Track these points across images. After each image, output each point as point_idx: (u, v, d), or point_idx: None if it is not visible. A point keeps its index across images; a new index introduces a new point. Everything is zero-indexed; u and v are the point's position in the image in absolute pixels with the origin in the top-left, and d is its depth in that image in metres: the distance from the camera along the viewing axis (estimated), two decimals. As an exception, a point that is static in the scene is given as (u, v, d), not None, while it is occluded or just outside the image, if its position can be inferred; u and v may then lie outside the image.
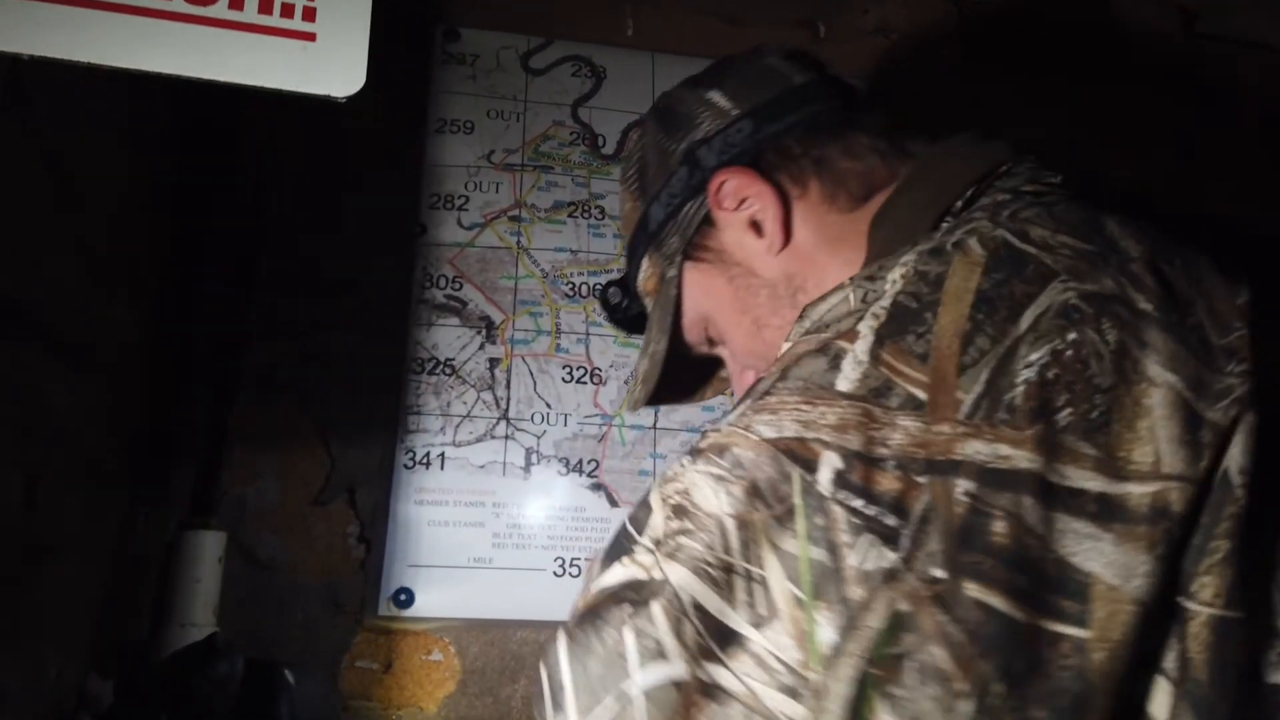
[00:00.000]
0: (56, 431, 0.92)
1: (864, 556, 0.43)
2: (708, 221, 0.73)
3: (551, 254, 1.34)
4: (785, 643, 0.42)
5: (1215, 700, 0.43)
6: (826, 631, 0.42)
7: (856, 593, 0.42)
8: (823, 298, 0.53)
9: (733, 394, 0.88)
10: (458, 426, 1.25)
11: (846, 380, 0.47)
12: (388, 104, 1.33)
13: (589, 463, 1.26)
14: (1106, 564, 0.42)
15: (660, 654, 0.44)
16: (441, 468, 1.23)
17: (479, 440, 1.25)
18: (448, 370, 1.27)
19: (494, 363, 1.28)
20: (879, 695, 0.41)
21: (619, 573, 0.49)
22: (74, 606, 0.97)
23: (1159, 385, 0.44)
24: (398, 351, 1.27)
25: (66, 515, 0.96)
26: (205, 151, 1.27)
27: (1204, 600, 0.44)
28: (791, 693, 0.42)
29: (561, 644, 0.48)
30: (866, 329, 0.48)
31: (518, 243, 1.34)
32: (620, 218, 0.86)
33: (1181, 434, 0.44)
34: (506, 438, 1.25)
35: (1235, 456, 0.44)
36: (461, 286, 1.31)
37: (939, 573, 0.42)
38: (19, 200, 0.80)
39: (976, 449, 0.43)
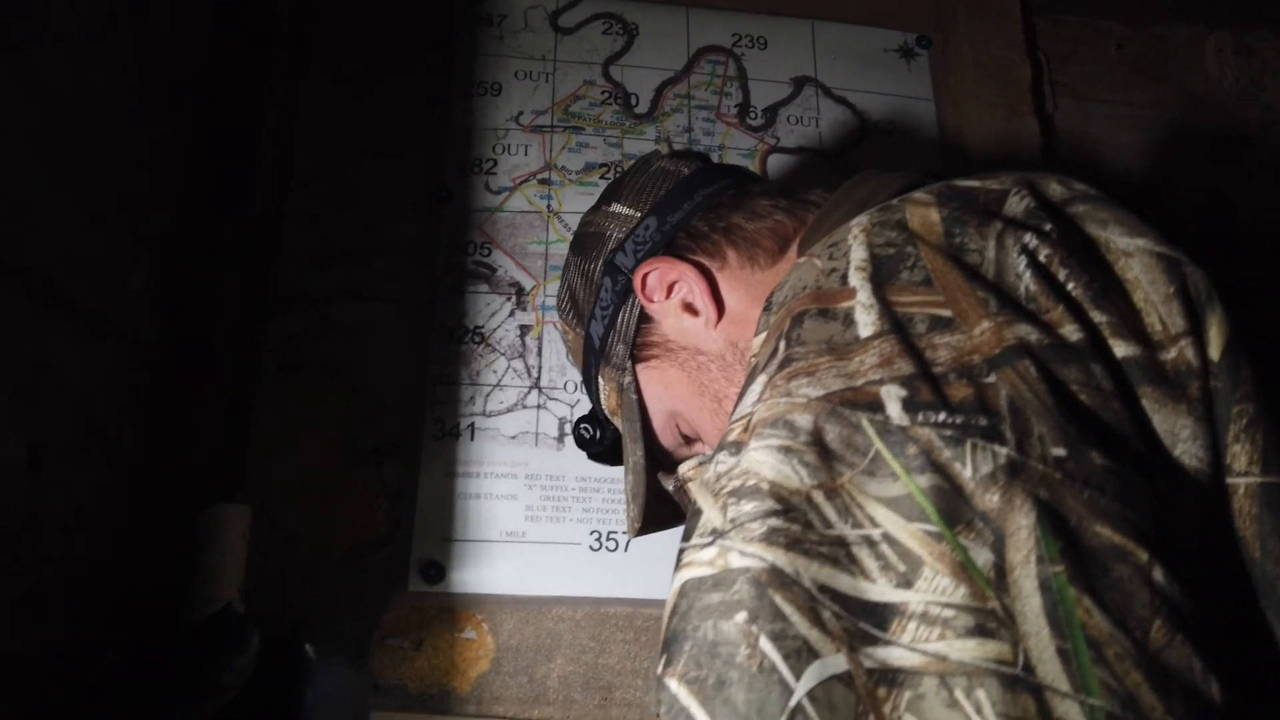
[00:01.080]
0: (64, 399, 0.88)
1: (975, 462, 0.40)
2: (645, 319, 0.77)
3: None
4: (944, 583, 0.38)
5: (1275, 574, 0.41)
6: (981, 553, 0.38)
7: (989, 500, 0.38)
8: (785, 279, 0.54)
9: None
10: (488, 396, 1.20)
11: (866, 327, 0.46)
12: (411, 68, 1.28)
13: (625, 432, 1.20)
14: (1160, 429, 0.43)
15: (811, 652, 0.38)
16: (471, 439, 1.18)
17: (510, 410, 1.20)
18: (477, 338, 1.22)
19: (525, 330, 1.23)
20: (1076, 590, 0.36)
21: (681, 580, 0.43)
22: (91, 580, 0.94)
23: (1133, 255, 0.47)
24: (424, 320, 1.22)
25: (78, 487, 0.92)
26: (224, 115, 1.24)
27: (1240, 470, 0.43)
28: (979, 631, 0.37)
29: (678, 693, 0.40)
30: (859, 282, 0.48)
31: (548, 206, 1.29)
32: (569, 355, 0.93)
33: (1169, 290, 0.46)
34: (539, 407, 1.20)
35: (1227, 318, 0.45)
36: (490, 252, 1.26)
37: (1059, 450, 0.39)
38: (11, 146, 0.77)
39: (1026, 331, 0.43)
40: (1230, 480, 0.43)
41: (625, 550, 1.15)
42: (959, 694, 0.35)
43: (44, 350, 0.85)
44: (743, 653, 0.39)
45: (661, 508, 0.81)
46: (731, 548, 0.41)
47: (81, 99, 0.89)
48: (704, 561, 0.42)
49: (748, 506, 0.42)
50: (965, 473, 0.39)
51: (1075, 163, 1.47)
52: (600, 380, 0.82)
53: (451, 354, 1.21)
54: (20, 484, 0.80)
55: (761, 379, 0.47)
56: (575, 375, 1.22)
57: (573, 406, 1.21)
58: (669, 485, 0.78)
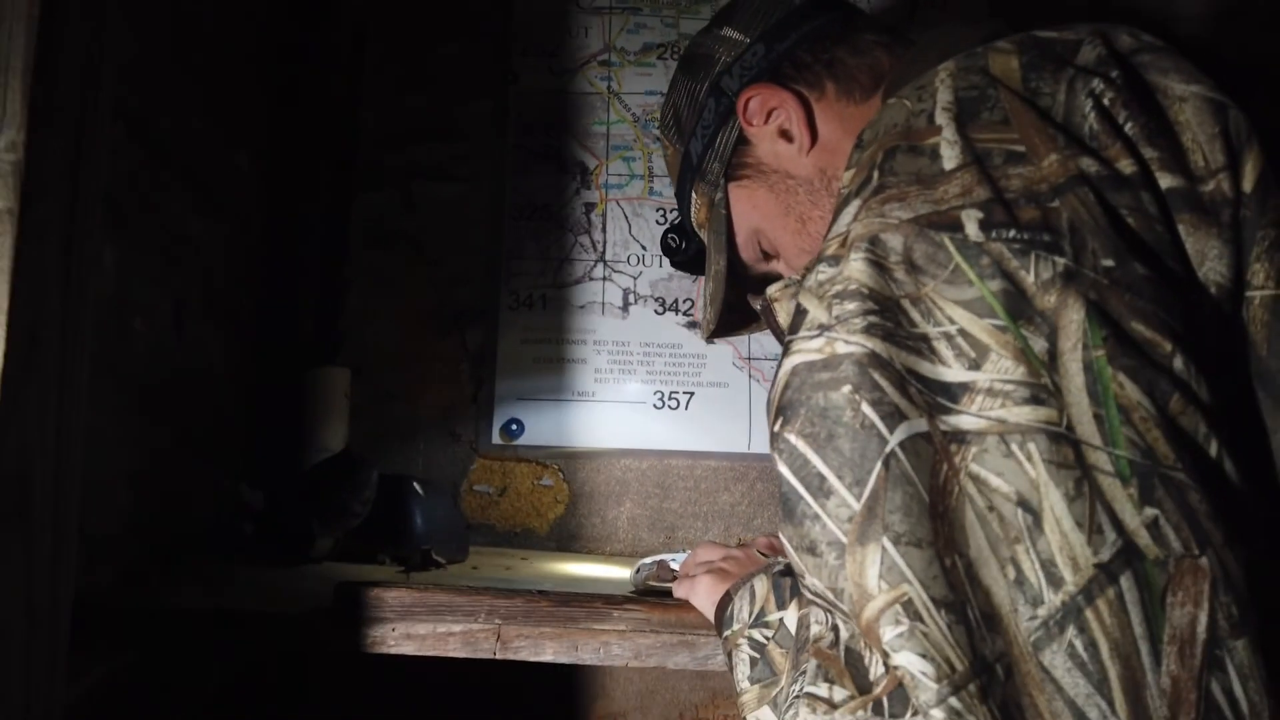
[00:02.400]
0: (195, 266, 1.00)
1: (1038, 270, 0.48)
2: (742, 141, 0.81)
3: (642, 98, 1.35)
4: (1007, 365, 0.47)
5: (1276, 368, 0.50)
6: (1038, 341, 0.47)
7: (1047, 300, 0.47)
8: (877, 118, 0.59)
9: None
10: (557, 269, 1.30)
11: (950, 160, 0.52)
12: (476, -50, 1.33)
13: (684, 301, 1.30)
14: (1192, 249, 0.50)
15: (901, 414, 0.47)
16: (544, 308, 1.28)
17: (578, 282, 1.29)
18: (545, 215, 1.31)
19: (589, 207, 1.32)
20: (1113, 368, 0.45)
21: (792, 364, 0.52)
22: (224, 426, 1.08)
23: (1187, 99, 0.54)
24: (497, 198, 1.31)
25: (209, 345, 1.05)
26: (303, 7, 1.31)
27: (1257, 285, 0.51)
28: (1034, 400, 0.46)
29: (796, 443, 0.50)
30: (945, 121, 0.54)
31: (608, 88, 1.35)
32: (667, 169, 0.93)
33: (1213, 130, 0.52)
34: (604, 279, 1.30)
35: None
36: (556, 134, 1.33)
37: (1108, 261, 0.48)
38: (150, 33, 0.85)
39: (1087, 164, 0.50)
40: (1248, 293, 0.51)
41: (686, 409, 1.26)
42: (1014, 447, 0.45)
43: (182, 222, 0.95)
44: (849, 414, 0.48)
45: (731, 315, 0.89)
46: (837, 338, 0.49)
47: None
48: (813, 349, 0.50)
49: (850, 305, 0.50)
50: (1029, 278, 0.47)
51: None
52: (693, 194, 0.86)
53: (523, 230, 1.30)
54: (170, 339, 0.92)
55: (856, 202, 0.53)
56: (637, 249, 1.31)
57: (635, 278, 1.30)
58: (756, 304, 0.86)
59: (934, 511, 0.46)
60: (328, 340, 1.25)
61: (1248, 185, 0.52)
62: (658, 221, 1.32)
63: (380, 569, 0.94)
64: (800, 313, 0.53)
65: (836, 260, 0.52)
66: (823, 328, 0.51)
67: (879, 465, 0.47)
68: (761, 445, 1.25)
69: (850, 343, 0.49)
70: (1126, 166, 0.51)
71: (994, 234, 0.49)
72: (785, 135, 0.78)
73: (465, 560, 1.05)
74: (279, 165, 1.24)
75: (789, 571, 0.67)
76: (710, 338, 0.91)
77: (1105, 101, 0.53)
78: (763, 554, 0.80)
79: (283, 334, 1.22)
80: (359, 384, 1.21)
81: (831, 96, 0.78)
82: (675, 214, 1.31)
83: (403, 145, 1.32)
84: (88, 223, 0.60)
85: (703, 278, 0.90)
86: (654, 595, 0.88)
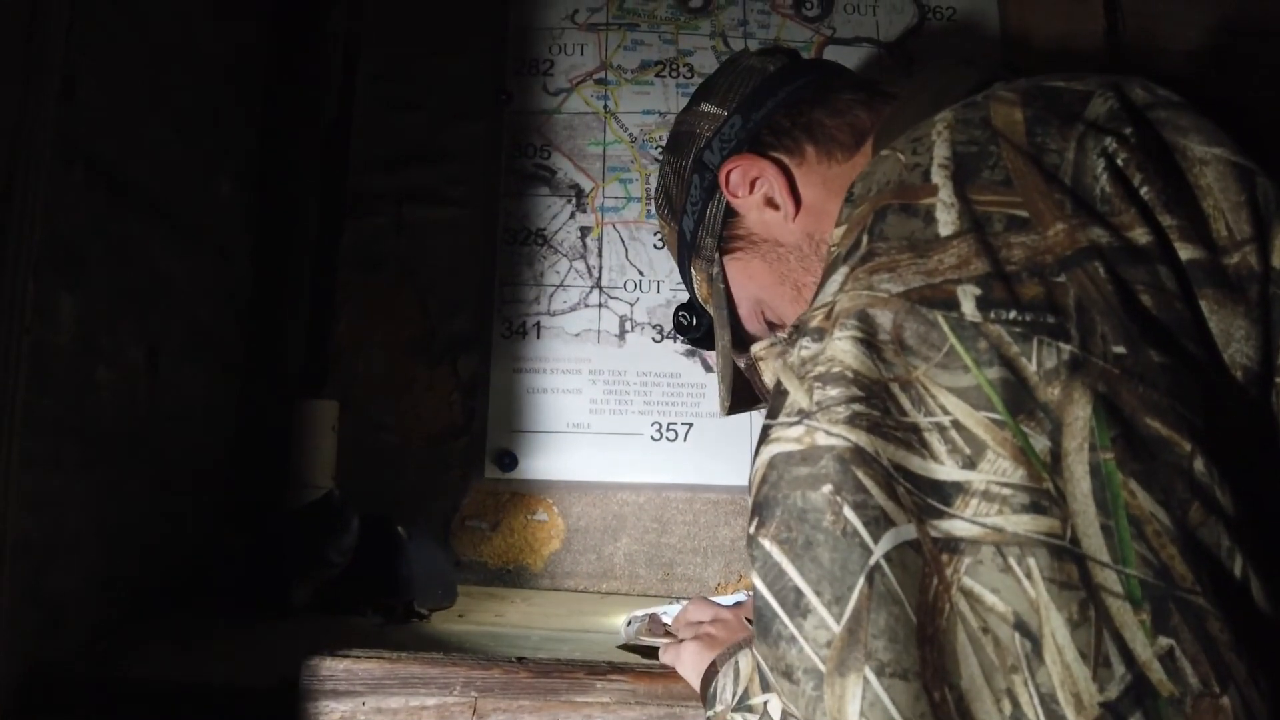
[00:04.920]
0: (174, 305, 0.97)
1: (1040, 357, 0.43)
2: (730, 214, 0.80)
3: (640, 117, 1.31)
4: (1005, 466, 0.42)
5: None
6: (1040, 440, 0.42)
7: (1051, 392, 0.43)
8: (868, 171, 0.55)
9: None
10: (551, 296, 1.26)
11: (946, 226, 0.48)
12: (468, -34, 1.29)
13: (683, 329, 1.25)
14: (1216, 329, 0.46)
15: (887, 519, 0.43)
16: (538, 336, 1.24)
17: (573, 309, 1.26)
18: (539, 240, 1.27)
19: (585, 231, 1.28)
20: (1123, 474, 0.41)
21: (770, 454, 0.47)
22: (204, 468, 1.04)
23: (1209, 162, 0.49)
24: (490, 222, 1.27)
25: (188, 385, 1.01)
26: (291, 25, 1.27)
27: None
28: (1034, 507, 0.41)
29: (771, 551, 0.46)
30: (941, 179, 0.50)
31: (605, 107, 1.31)
32: (668, 248, 0.93)
33: (1239, 198, 0.48)
34: (600, 306, 1.26)
35: None
36: (550, 154, 1.30)
37: (1120, 348, 0.43)
38: (118, 71, 0.82)
39: (1098, 234, 0.46)
40: (1278, 379, 0.46)
41: (684, 440, 1.22)
42: (1012, 560, 0.40)
43: (156, 261, 0.92)
44: (828, 519, 0.43)
45: (748, 389, 0.87)
46: (818, 427, 0.45)
47: (168, 19, 0.94)
48: (791, 438, 0.46)
49: (833, 391, 0.45)
50: (1030, 366, 0.43)
51: (1139, 48, 1.43)
52: (693, 271, 0.86)
53: (516, 255, 1.27)
54: (142, 385, 0.89)
55: (843, 270, 0.49)
56: (634, 275, 1.27)
57: (632, 305, 1.26)
58: (740, 363, 0.83)
59: (922, 635, 0.41)
60: (315, 371, 1.22)
61: (1278, 260, 0.47)
62: (655, 245, 1.28)
63: (361, 621, 0.91)
64: (780, 394, 0.49)
65: (820, 335, 0.48)
66: (803, 414, 0.46)
67: (861, 581, 0.42)
68: (762, 478, 1.21)
69: (832, 434, 0.45)
70: (1141, 236, 0.46)
71: (993, 314, 0.44)
72: (771, 203, 0.77)
73: (453, 604, 1.02)
74: (265, 191, 1.21)
75: None
76: (727, 414, 0.88)
77: (1119, 162, 0.48)
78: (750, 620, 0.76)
79: (269, 365, 1.19)
80: (347, 414, 1.18)
81: (812, 159, 0.77)
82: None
83: (394, 168, 1.28)
84: (18, 272, 0.57)
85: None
86: (643, 652, 0.84)
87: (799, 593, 0.44)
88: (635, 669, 0.74)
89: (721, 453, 1.22)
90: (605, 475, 1.21)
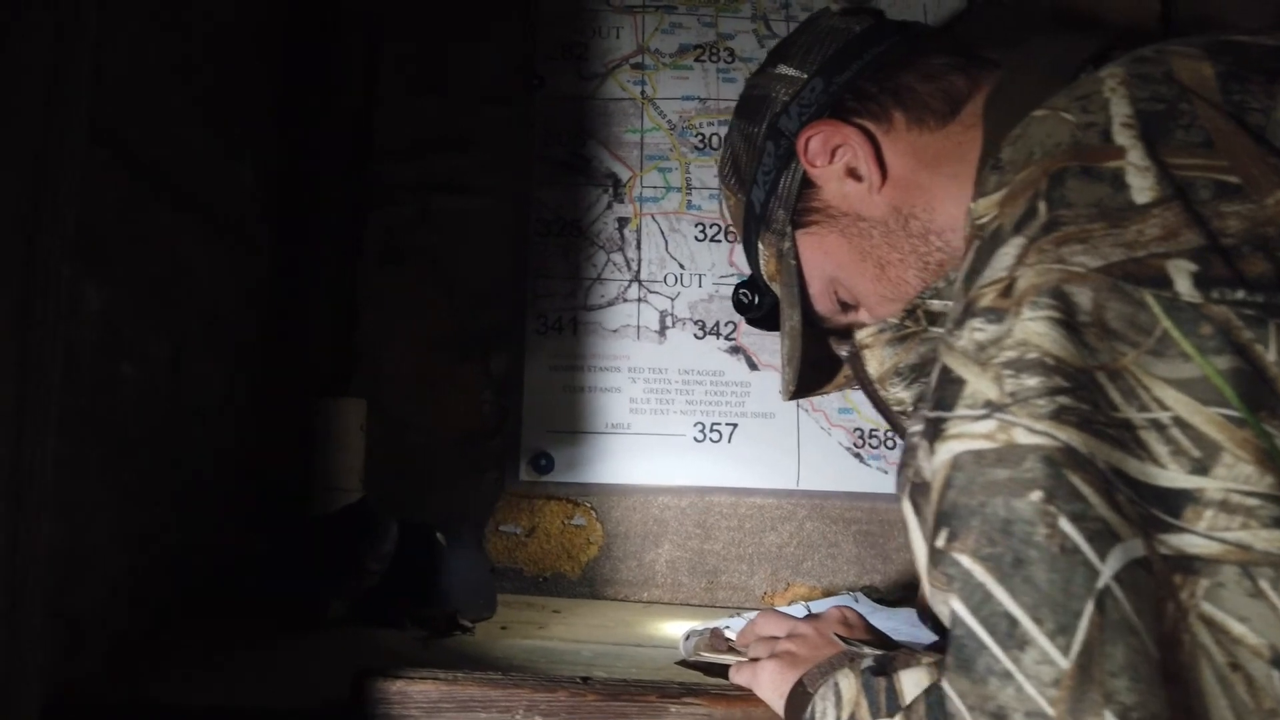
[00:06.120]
0: (198, 298, 0.91)
1: None
2: (807, 184, 0.74)
3: (679, 103, 1.25)
4: (1248, 472, 0.36)
5: None
6: None
7: None
8: (1020, 134, 0.49)
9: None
10: (588, 290, 1.20)
11: (1142, 192, 0.42)
12: (498, -55, 1.24)
13: (726, 325, 1.20)
14: None
15: (1113, 533, 0.37)
16: (574, 332, 1.19)
17: (611, 304, 1.20)
18: (574, 231, 1.22)
19: (622, 223, 1.22)
20: None
21: (953, 452, 0.41)
22: (226, 471, 0.98)
23: None
24: (521, 213, 1.21)
25: (210, 383, 0.95)
26: (311, 5, 1.21)
27: None
28: None
29: (972, 569, 0.39)
30: (1128, 140, 0.44)
31: (642, 92, 1.25)
32: (730, 220, 0.86)
33: None
34: (639, 300, 1.20)
35: None
36: (585, 142, 1.24)
37: None
38: (141, 44, 0.76)
39: None
40: None
41: (728, 441, 1.17)
42: (1264, 584, 0.35)
43: (180, 252, 0.86)
44: (1041, 532, 0.37)
45: (814, 373, 0.81)
46: (1016, 423, 0.39)
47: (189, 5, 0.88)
48: (980, 434, 0.40)
49: (1031, 381, 0.39)
50: (1269, 355, 0.37)
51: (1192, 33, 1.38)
52: (760, 246, 0.79)
53: (549, 247, 1.21)
54: (165, 383, 0.83)
55: (1017, 241, 0.43)
56: (675, 268, 1.21)
57: (673, 300, 1.20)
58: (841, 352, 0.77)
59: (1165, 672, 0.35)
60: (340, 369, 1.16)
61: None
62: (697, 238, 1.22)
63: (401, 635, 0.85)
64: (952, 381, 0.43)
65: (998, 315, 0.42)
66: (992, 407, 0.40)
67: (1090, 607, 0.36)
68: (812, 481, 1.16)
69: (1036, 431, 0.39)
70: None
71: (1215, 294, 0.38)
72: (853, 174, 0.71)
73: (493, 615, 0.96)
74: (286, 179, 1.15)
75: (884, 669, 0.57)
76: (791, 398, 0.82)
77: None
78: (838, 635, 0.70)
79: (291, 363, 1.13)
80: (373, 415, 1.12)
81: (901, 127, 0.70)
82: (731, 234, 1.22)
83: (419, 156, 1.23)
84: (52, 259, 0.51)
85: (779, 334, 0.82)
86: (706, 669, 0.78)
87: (1012, 620, 0.38)
88: (710, 691, 0.68)
89: (767, 455, 1.16)
90: (645, 478, 1.16)
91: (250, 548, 0.89)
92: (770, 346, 1.19)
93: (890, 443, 1.16)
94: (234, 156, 1.02)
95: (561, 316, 1.19)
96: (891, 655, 0.57)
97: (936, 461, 0.42)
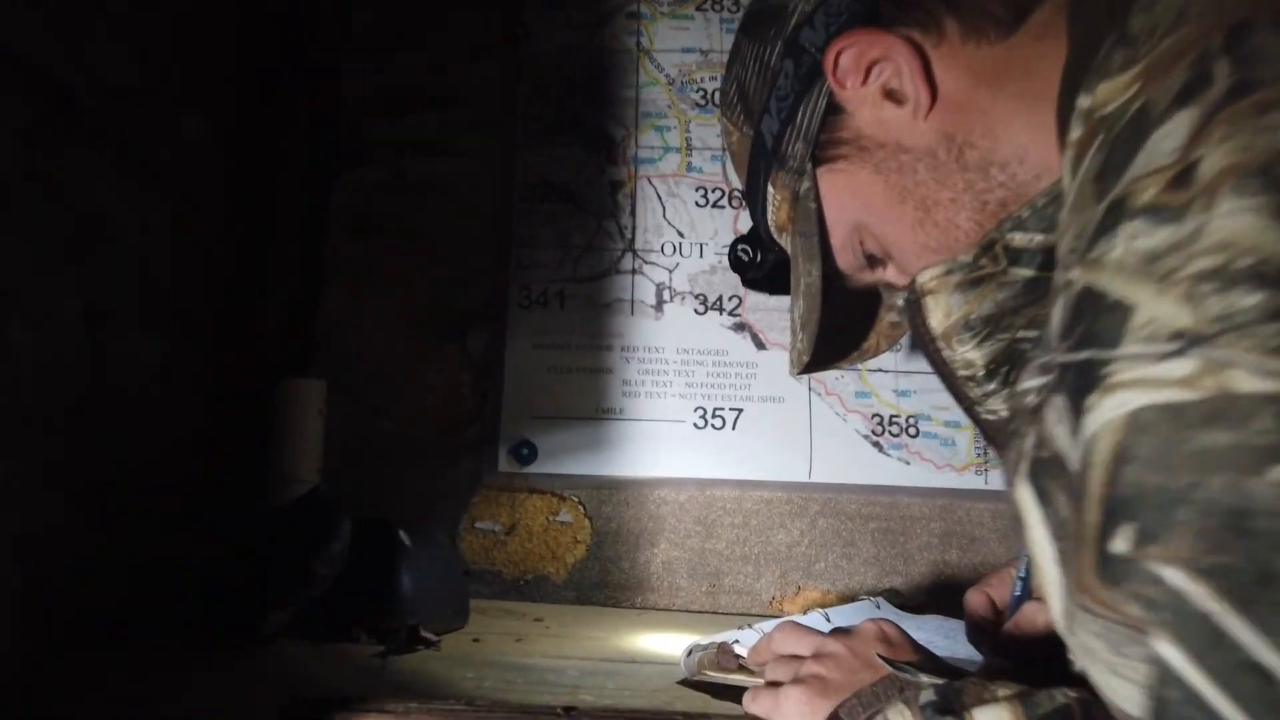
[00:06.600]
0: (121, 258, 0.79)
1: None
2: (834, 110, 0.62)
3: (678, 56, 1.13)
4: None
5: None
6: None
7: None
8: (1149, 1, 0.38)
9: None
10: (577, 260, 1.08)
11: None
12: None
13: (730, 299, 1.08)
14: None
15: None
16: (561, 307, 1.07)
17: (603, 275, 1.08)
18: (563, 196, 1.10)
19: (616, 186, 1.10)
20: None
21: (1128, 407, 0.29)
22: (159, 459, 0.86)
23: None
24: (504, 176, 1.10)
25: (142, 357, 0.84)
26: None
27: None
28: None
29: (1186, 589, 0.27)
30: None
31: (638, 44, 1.14)
32: (733, 160, 0.72)
33: None
34: (634, 272, 1.08)
35: None
36: (575, 99, 1.12)
37: None
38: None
39: None
40: None
41: (732, 428, 1.05)
42: None
43: (93, 199, 0.74)
44: None
45: (835, 338, 0.68)
46: (1231, 361, 0.28)
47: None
48: (1173, 379, 0.29)
49: (1249, 299, 0.28)
50: None
51: None
52: (770, 189, 0.67)
53: (535, 214, 1.09)
54: (81, 350, 0.71)
55: (1186, 115, 0.33)
56: (673, 236, 1.09)
57: (671, 271, 1.09)
58: (897, 300, 0.63)
59: None
60: (302, 347, 1.04)
61: None
62: (698, 203, 1.10)
63: (355, 649, 0.73)
64: (1109, 308, 0.31)
65: (1176, 214, 0.30)
66: (1188, 339, 0.29)
67: None
68: (825, 472, 1.04)
69: (1268, 371, 0.27)
70: None
71: None
72: (893, 96, 0.59)
73: (464, 625, 0.84)
74: (244, 135, 1.03)
75: (950, 705, 0.45)
76: (803, 371, 0.70)
77: None
78: (881, 656, 0.58)
79: (246, 339, 1.01)
80: (338, 399, 1.00)
81: (955, 39, 0.58)
82: (736, 199, 1.10)
83: (394, 113, 1.11)
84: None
85: (789, 297, 0.69)
86: (713, 691, 0.67)
87: (1266, 676, 0.26)
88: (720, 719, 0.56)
89: (775, 443, 1.05)
90: (640, 470, 1.04)
91: (180, 550, 0.77)
92: (780, 324, 1.07)
93: (913, 429, 1.05)
94: (176, 102, 0.90)
95: (548, 289, 1.07)
96: (958, 686, 0.46)
97: (1095, 422, 0.30)
